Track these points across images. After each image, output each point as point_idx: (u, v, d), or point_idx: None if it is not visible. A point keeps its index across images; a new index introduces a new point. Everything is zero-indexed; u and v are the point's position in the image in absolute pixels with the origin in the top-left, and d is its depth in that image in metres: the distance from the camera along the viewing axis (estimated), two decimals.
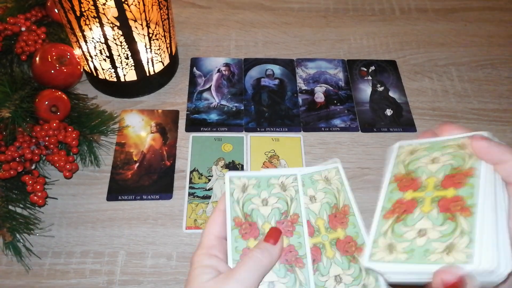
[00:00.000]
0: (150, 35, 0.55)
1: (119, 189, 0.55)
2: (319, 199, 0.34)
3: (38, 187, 0.50)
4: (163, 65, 0.62)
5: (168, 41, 0.60)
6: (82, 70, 0.60)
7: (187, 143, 0.59)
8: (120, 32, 0.52)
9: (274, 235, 0.32)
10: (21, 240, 0.49)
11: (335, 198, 0.35)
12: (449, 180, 0.30)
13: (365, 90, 0.67)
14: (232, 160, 0.58)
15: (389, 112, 0.65)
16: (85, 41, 0.54)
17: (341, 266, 0.32)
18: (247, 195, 0.34)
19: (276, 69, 0.68)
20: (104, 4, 0.49)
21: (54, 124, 0.52)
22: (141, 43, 0.55)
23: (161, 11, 0.55)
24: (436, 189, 0.30)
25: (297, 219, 0.33)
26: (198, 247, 0.32)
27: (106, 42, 0.53)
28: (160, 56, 0.60)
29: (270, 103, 0.64)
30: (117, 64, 0.57)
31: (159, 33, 0.57)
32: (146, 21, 0.53)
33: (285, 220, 0.33)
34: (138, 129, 0.60)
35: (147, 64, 0.59)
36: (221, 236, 0.33)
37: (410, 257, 0.28)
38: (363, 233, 0.33)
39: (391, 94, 0.67)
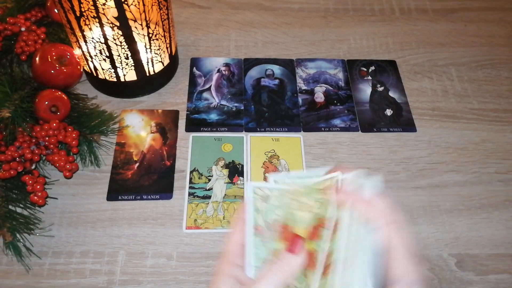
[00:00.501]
0: (150, 35, 0.55)
1: (119, 189, 0.55)
2: (312, 208, 0.34)
3: (38, 187, 0.50)
4: (163, 65, 0.62)
5: (168, 41, 0.60)
6: (82, 70, 0.60)
7: (187, 143, 0.59)
8: (120, 32, 0.52)
9: (294, 244, 0.31)
10: (21, 240, 0.49)
11: (325, 210, 0.34)
12: (314, 231, 0.31)
13: (365, 90, 0.67)
14: (232, 160, 0.58)
15: (389, 112, 0.65)
16: (85, 41, 0.54)
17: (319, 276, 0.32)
18: (270, 206, 0.34)
19: (276, 69, 0.69)
20: (104, 4, 0.49)
21: (54, 124, 0.52)
22: (141, 43, 0.55)
23: (161, 11, 0.55)
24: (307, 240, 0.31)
25: (325, 223, 0.32)
26: (223, 255, 0.33)
27: (106, 42, 0.53)
28: (160, 56, 0.60)
29: (270, 103, 0.64)
30: (117, 64, 0.57)
31: (159, 33, 0.57)
32: (146, 21, 0.53)
33: (315, 224, 0.32)
34: (138, 129, 0.60)
35: (147, 64, 0.59)
36: (244, 244, 0.33)
37: None
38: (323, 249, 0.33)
39: (391, 94, 0.67)
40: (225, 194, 0.55)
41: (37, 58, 0.56)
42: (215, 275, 0.32)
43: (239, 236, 0.33)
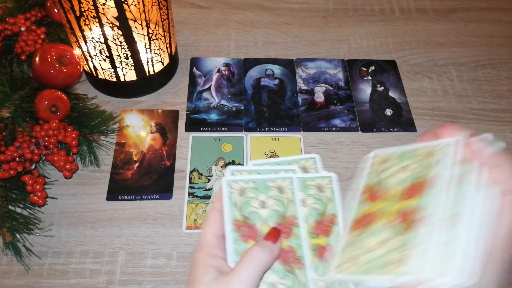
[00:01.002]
0: (150, 35, 0.55)
1: (119, 189, 0.55)
2: (308, 203, 0.35)
3: (38, 187, 0.50)
4: (163, 65, 0.62)
5: (168, 41, 0.60)
6: (81, 70, 0.60)
7: (187, 143, 0.59)
8: (120, 32, 0.52)
9: (274, 234, 0.32)
10: (21, 240, 0.49)
11: (323, 205, 0.35)
12: (413, 189, 0.30)
13: (365, 90, 0.67)
14: (232, 160, 0.58)
15: (389, 112, 0.65)
16: (85, 41, 0.54)
17: (316, 272, 0.33)
18: (245, 198, 0.34)
19: (276, 69, 0.68)
20: (103, 4, 0.49)
21: (54, 124, 0.52)
22: (140, 43, 0.55)
23: (161, 11, 0.55)
24: (402, 199, 0.30)
25: (294, 221, 0.33)
26: (199, 246, 0.33)
27: (105, 42, 0.53)
28: (160, 56, 0.60)
29: (270, 103, 0.64)
30: (117, 64, 0.57)
31: (159, 33, 0.57)
32: (146, 21, 0.53)
33: (283, 222, 0.33)
34: (138, 129, 0.60)
35: (147, 64, 0.59)
36: (221, 235, 0.33)
37: (369, 268, 0.28)
38: (304, 246, 0.33)
39: (391, 94, 0.67)
40: None
41: (37, 58, 0.56)
42: (193, 267, 0.32)
43: (215, 227, 0.33)
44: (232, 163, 0.57)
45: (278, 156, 0.58)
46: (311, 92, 0.66)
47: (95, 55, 0.56)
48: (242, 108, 0.64)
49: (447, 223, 0.26)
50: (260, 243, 0.31)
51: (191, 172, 0.56)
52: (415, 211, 0.28)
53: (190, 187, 0.55)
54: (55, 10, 0.63)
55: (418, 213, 0.27)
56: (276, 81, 0.67)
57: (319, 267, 0.33)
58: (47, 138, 0.52)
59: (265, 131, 0.61)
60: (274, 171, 0.36)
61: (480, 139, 0.28)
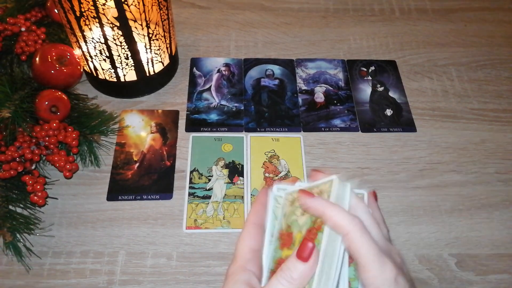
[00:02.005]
0: (150, 35, 0.55)
1: (119, 189, 0.55)
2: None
3: (38, 187, 0.50)
4: (163, 65, 0.62)
5: (168, 41, 0.60)
6: (82, 70, 0.60)
7: (187, 143, 0.59)
8: (120, 32, 0.52)
9: (305, 250, 0.29)
10: (21, 240, 0.49)
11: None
12: (307, 234, 0.30)
13: (365, 90, 0.67)
14: (232, 160, 0.58)
15: (389, 112, 0.65)
16: (85, 41, 0.54)
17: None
18: (292, 208, 0.33)
19: (276, 69, 0.69)
20: (104, 5, 0.49)
21: (54, 124, 0.52)
22: (141, 43, 0.55)
23: (161, 12, 0.55)
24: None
25: (321, 226, 0.32)
26: (233, 259, 0.32)
27: (106, 42, 0.53)
28: (160, 56, 0.60)
29: (270, 103, 0.64)
30: (117, 64, 0.57)
31: (159, 33, 0.57)
32: (146, 21, 0.53)
33: (312, 228, 0.32)
34: (138, 129, 0.60)
35: (147, 64, 0.59)
36: (255, 249, 0.32)
37: None
38: (322, 251, 0.33)
39: (391, 94, 0.67)
40: (225, 194, 0.55)
41: (37, 58, 0.56)
42: (226, 279, 0.31)
43: (251, 241, 0.32)
44: (232, 163, 0.58)
45: (279, 157, 0.58)
46: (311, 92, 0.66)
47: (95, 55, 0.56)
48: (242, 108, 0.64)
49: (327, 273, 0.29)
50: (290, 263, 0.29)
51: (191, 172, 0.56)
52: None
53: (190, 187, 0.55)
54: (55, 10, 0.63)
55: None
56: (276, 81, 0.67)
57: None
58: (47, 138, 0.52)
59: (265, 131, 0.61)
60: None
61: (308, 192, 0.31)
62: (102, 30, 0.52)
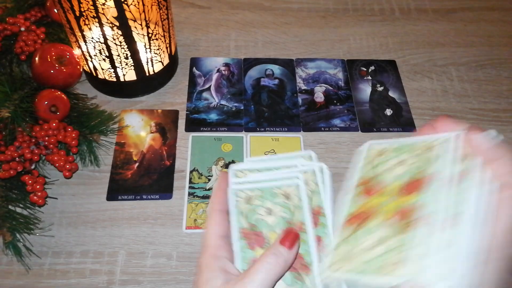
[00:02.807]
0: (150, 35, 0.55)
1: (119, 189, 0.55)
2: (275, 211, 0.34)
3: (38, 187, 0.50)
4: (163, 65, 0.62)
5: (167, 41, 0.60)
6: (81, 70, 0.60)
7: (187, 143, 0.59)
8: (120, 32, 0.52)
9: (290, 238, 0.30)
10: (21, 240, 0.49)
11: (291, 213, 0.34)
12: (412, 185, 0.28)
13: (365, 90, 0.67)
14: (232, 160, 0.58)
15: (389, 112, 0.65)
16: (85, 41, 0.54)
17: (284, 281, 0.31)
18: (252, 206, 0.33)
19: (276, 69, 0.69)
20: (103, 4, 0.49)
21: (54, 124, 0.52)
22: (140, 43, 0.55)
23: (161, 11, 0.55)
24: (400, 195, 0.28)
25: (302, 227, 0.32)
26: (203, 249, 0.32)
27: (105, 42, 0.53)
28: (160, 56, 0.60)
29: (270, 103, 0.64)
30: (117, 64, 0.57)
31: (158, 33, 0.57)
32: (146, 21, 0.53)
33: (290, 228, 0.32)
34: (137, 129, 0.60)
35: (147, 64, 0.59)
36: (224, 235, 0.32)
37: (366, 268, 0.26)
38: (312, 252, 0.32)
39: (391, 94, 0.67)
40: None
41: (36, 58, 0.56)
42: (199, 270, 0.31)
43: (217, 227, 0.32)
44: (232, 163, 0.57)
45: None
46: (311, 92, 0.66)
47: (94, 55, 0.56)
48: (242, 108, 0.64)
49: (448, 223, 0.25)
50: (275, 250, 0.30)
51: (191, 172, 0.56)
52: (414, 209, 0.26)
53: (190, 187, 0.55)
54: (55, 10, 0.63)
55: (418, 211, 0.26)
56: (276, 81, 0.67)
57: (287, 277, 0.32)
58: (47, 138, 0.52)
59: (265, 131, 0.61)
60: (276, 168, 0.35)
61: (482, 135, 0.27)
62: (102, 30, 0.52)
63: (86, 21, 0.51)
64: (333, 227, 0.32)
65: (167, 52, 0.61)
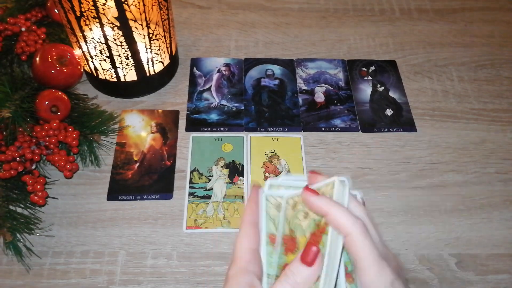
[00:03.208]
0: (150, 35, 0.55)
1: (119, 189, 0.55)
2: (310, 215, 0.33)
3: (38, 187, 0.50)
4: (163, 65, 0.62)
5: (168, 41, 0.60)
6: (82, 70, 0.60)
7: (187, 143, 0.59)
8: (120, 32, 0.52)
9: (309, 254, 0.29)
10: (21, 240, 0.49)
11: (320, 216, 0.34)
12: (312, 238, 0.30)
13: (365, 90, 0.67)
14: (233, 160, 0.58)
15: (389, 112, 0.65)
16: (85, 41, 0.54)
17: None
18: (295, 211, 0.33)
19: (276, 69, 0.69)
20: (104, 5, 0.49)
21: (55, 124, 0.52)
22: (141, 43, 0.55)
23: (161, 12, 0.55)
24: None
25: (325, 229, 0.32)
26: (233, 261, 0.31)
27: (106, 42, 0.53)
28: (160, 56, 0.60)
29: (270, 103, 0.64)
30: (117, 64, 0.57)
31: (159, 33, 0.57)
32: (146, 21, 0.53)
33: (316, 231, 0.31)
34: (138, 129, 0.60)
35: (147, 64, 0.59)
36: (254, 249, 0.32)
37: None
38: (326, 254, 0.32)
39: (391, 94, 0.67)
40: (225, 194, 0.55)
41: (37, 58, 0.56)
42: (226, 282, 0.30)
43: (249, 241, 0.32)
44: (233, 163, 0.58)
45: (279, 156, 0.59)
46: (311, 92, 0.66)
47: (95, 55, 0.56)
48: (243, 108, 0.64)
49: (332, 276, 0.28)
50: (294, 268, 0.29)
51: (191, 172, 0.56)
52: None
53: (190, 187, 0.55)
54: (56, 10, 0.63)
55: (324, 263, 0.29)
56: (276, 81, 0.67)
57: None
58: (47, 138, 0.52)
59: (265, 131, 0.61)
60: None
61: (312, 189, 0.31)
62: (102, 30, 0.52)
63: (87, 21, 0.51)
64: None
65: (168, 52, 0.61)
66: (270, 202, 0.33)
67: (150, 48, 0.57)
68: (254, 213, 0.33)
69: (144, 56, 0.58)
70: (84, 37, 0.53)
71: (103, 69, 0.58)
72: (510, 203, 0.57)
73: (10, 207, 0.50)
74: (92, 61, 0.57)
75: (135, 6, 0.50)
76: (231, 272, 0.31)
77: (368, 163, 0.59)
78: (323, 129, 0.62)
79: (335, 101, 0.65)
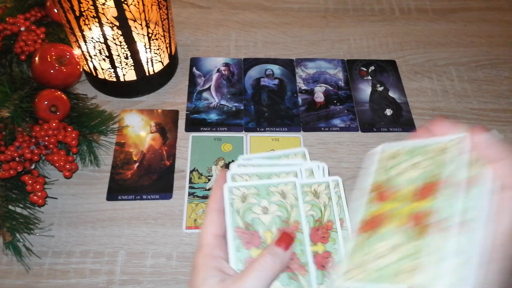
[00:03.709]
0: (150, 35, 0.55)
1: (119, 189, 0.55)
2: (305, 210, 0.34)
3: (38, 187, 0.50)
4: (163, 65, 0.62)
5: (167, 41, 0.60)
6: (81, 70, 0.60)
7: (187, 143, 0.59)
8: (120, 32, 0.52)
9: (286, 240, 0.31)
10: (21, 240, 0.49)
11: (320, 212, 0.34)
12: (425, 189, 0.27)
13: (365, 90, 0.67)
14: (232, 160, 0.58)
15: (389, 112, 0.65)
16: (85, 41, 0.54)
17: (280, 281, 0.31)
18: (248, 205, 0.33)
19: (276, 69, 0.68)
20: (103, 4, 0.49)
21: (54, 124, 0.52)
22: (140, 43, 0.55)
23: (161, 11, 0.55)
24: (414, 199, 0.28)
25: (297, 227, 0.32)
26: (198, 248, 0.32)
27: (105, 42, 0.53)
28: (160, 56, 0.60)
29: (270, 103, 0.64)
30: (117, 64, 0.57)
31: (158, 33, 0.57)
32: (146, 21, 0.53)
33: (286, 228, 0.32)
34: (137, 129, 0.60)
35: (147, 64, 0.59)
36: (220, 235, 0.32)
37: (380, 276, 0.26)
38: (307, 252, 0.32)
39: (391, 94, 0.67)
40: None
41: (36, 58, 0.56)
42: (194, 270, 0.31)
43: (214, 227, 0.32)
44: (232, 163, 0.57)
45: None
46: (311, 92, 0.66)
47: (94, 55, 0.56)
48: (242, 108, 0.64)
49: (462, 229, 0.25)
50: (271, 251, 0.30)
51: (191, 172, 0.56)
52: (428, 214, 0.26)
53: (190, 187, 0.55)
54: (55, 10, 0.63)
55: (432, 217, 0.26)
56: (276, 81, 0.67)
57: (319, 276, 0.32)
58: (47, 138, 0.52)
59: (265, 131, 0.61)
60: (274, 169, 0.35)
61: (485, 136, 0.27)
62: (102, 30, 0.52)
63: (86, 21, 0.51)
64: (347, 238, 0.32)
65: (167, 52, 0.61)
66: (234, 194, 0.33)
67: (149, 47, 0.57)
68: (219, 199, 0.34)
69: (143, 56, 0.57)
70: (84, 36, 0.53)
71: (102, 69, 0.58)
72: None
73: (10, 207, 0.50)
74: (91, 61, 0.57)
75: (135, 5, 0.50)
76: (198, 259, 0.31)
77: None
78: (322, 129, 0.62)
79: (335, 101, 0.65)
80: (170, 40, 0.61)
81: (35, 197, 0.50)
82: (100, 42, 0.53)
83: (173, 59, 0.65)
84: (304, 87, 0.67)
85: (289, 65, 0.69)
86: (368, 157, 0.33)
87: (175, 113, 0.62)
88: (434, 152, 0.29)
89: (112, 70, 0.58)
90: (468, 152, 0.27)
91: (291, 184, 0.34)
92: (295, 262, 0.32)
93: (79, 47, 0.56)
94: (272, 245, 0.30)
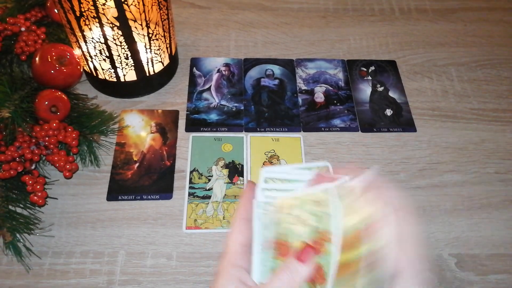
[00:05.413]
0: (150, 35, 0.55)
1: (119, 189, 0.55)
2: (307, 221, 0.33)
3: (38, 187, 0.50)
4: (163, 65, 0.62)
5: (168, 41, 0.60)
6: (82, 70, 0.60)
7: (187, 143, 0.59)
8: (120, 32, 0.52)
9: (305, 254, 0.30)
10: (21, 240, 0.49)
11: (320, 221, 0.34)
12: (316, 246, 0.30)
13: (365, 90, 0.67)
14: (232, 160, 0.58)
15: (389, 112, 0.65)
16: (85, 41, 0.54)
17: None
18: (282, 215, 0.33)
19: (276, 69, 0.69)
20: (103, 4, 0.49)
21: (54, 124, 0.52)
22: (140, 43, 0.55)
23: (161, 11, 0.55)
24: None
25: (329, 237, 0.31)
26: (224, 255, 0.32)
27: (106, 42, 0.53)
28: (160, 56, 0.60)
29: (270, 103, 0.64)
30: (117, 64, 0.57)
31: (158, 33, 0.57)
32: (146, 21, 0.53)
33: (316, 238, 0.31)
34: (138, 129, 0.60)
35: (147, 64, 0.59)
36: (245, 244, 0.32)
37: None
38: (332, 263, 0.32)
39: (391, 94, 0.67)
40: (225, 194, 0.55)
41: (37, 58, 0.56)
42: (217, 276, 0.31)
43: (241, 236, 0.32)
44: (232, 163, 0.58)
45: (279, 157, 0.58)
46: (311, 92, 0.66)
47: (95, 55, 0.56)
48: (242, 108, 0.64)
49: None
50: (290, 266, 0.30)
51: (191, 172, 0.56)
52: (317, 271, 0.29)
53: (190, 187, 0.55)
54: (55, 10, 0.63)
55: (319, 273, 0.29)
56: (276, 81, 0.67)
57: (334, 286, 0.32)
58: (47, 138, 0.52)
59: (265, 131, 0.61)
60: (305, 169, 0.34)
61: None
62: (102, 30, 0.52)
63: (87, 21, 0.51)
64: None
65: (167, 52, 0.61)
66: (262, 208, 0.33)
67: (149, 48, 0.57)
68: (248, 209, 0.34)
69: (143, 56, 0.57)
70: (84, 37, 0.53)
71: (102, 69, 0.58)
72: (509, 203, 0.57)
73: (10, 207, 0.50)
74: (91, 61, 0.57)
75: (135, 6, 0.50)
76: (222, 266, 0.31)
77: (367, 163, 0.59)
78: (322, 129, 0.62)
79: (335, 101, 0.65)
80: (170, 40, 0.61)
81: (35, 197, 0.50)
82: (100, 42, 0.53)
83: (173, 59, 0.65)
84: (304, 87, 0.67)
85: (289, 65, 0.69)
86: (254, 203, 0.33)
87: (175, 113, 0.62)
88: (310, 205, 0.31)
89: (113, 70, 0.58)
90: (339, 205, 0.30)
91: (326, 191, 0.32)
92: (318, 272, 0.31)
93: (80, 47, 0.56)
94: (292, 260, 0.30)
